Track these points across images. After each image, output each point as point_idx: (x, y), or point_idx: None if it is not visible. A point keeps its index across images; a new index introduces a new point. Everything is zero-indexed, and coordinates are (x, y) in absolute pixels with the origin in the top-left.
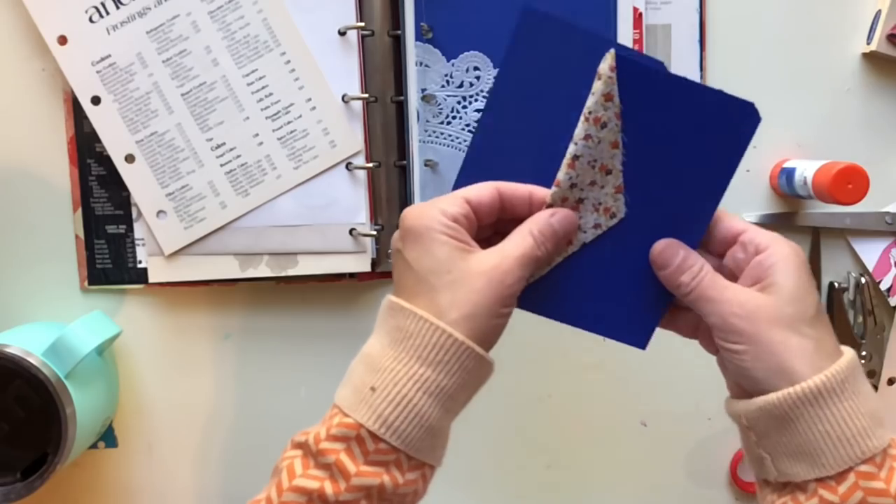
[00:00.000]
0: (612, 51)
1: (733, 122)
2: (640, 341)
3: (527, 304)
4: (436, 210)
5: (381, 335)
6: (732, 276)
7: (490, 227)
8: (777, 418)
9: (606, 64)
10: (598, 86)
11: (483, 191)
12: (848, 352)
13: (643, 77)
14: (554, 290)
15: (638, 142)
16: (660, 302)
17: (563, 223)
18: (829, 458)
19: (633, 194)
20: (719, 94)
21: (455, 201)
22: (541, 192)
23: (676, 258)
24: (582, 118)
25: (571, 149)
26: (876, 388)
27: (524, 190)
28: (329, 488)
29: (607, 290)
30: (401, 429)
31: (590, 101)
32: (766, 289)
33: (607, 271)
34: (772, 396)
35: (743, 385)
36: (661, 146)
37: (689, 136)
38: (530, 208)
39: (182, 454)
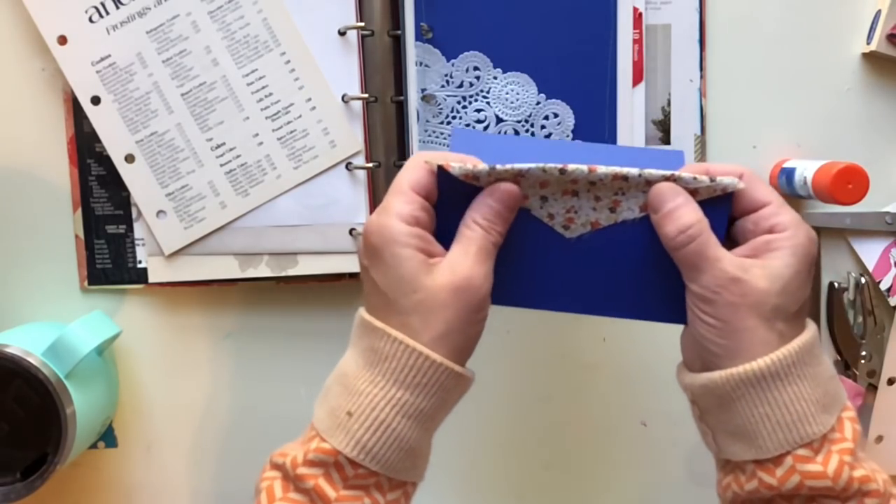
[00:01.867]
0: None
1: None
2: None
3: (559, 305)
4: (393, 219)
5: (356, 354)
6: (733, 240)
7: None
8: (719, 397)
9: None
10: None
11: (418, 171)
12: (805, 333)
13: None
14: (579, 284)
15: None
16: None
17: (502, 200)
18: (766, 441)
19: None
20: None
21: (406, 198)
22: (476, 163)
23: (668, 203)
24: (662, 174)
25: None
26: (875, 387)
27: (452, 157)
28: None
29: (636, 274)
30: (380, 454)
31: (683, 179)
32: (762, 268)
33: (630, 257)
34: (715, 375)
35: (700, 353)
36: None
37: None
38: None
39: (182, 454)
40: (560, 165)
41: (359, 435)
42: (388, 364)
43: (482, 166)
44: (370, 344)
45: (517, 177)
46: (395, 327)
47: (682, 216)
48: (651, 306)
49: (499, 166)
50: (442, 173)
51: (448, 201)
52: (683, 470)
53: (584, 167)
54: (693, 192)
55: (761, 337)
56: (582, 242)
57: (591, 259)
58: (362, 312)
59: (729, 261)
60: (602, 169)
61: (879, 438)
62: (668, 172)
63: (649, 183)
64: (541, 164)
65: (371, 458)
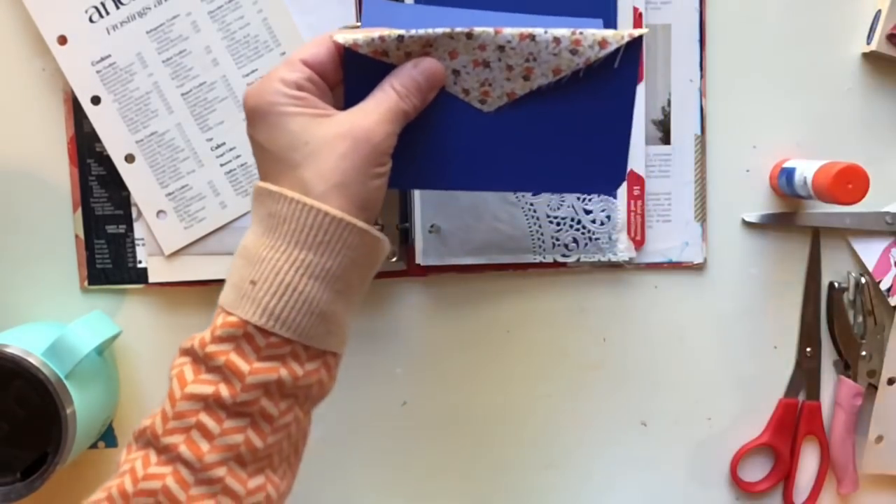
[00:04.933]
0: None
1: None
2: (609, 187)
3: (481, 184)
4: (275, 82)
5: (255, 225)
6: None
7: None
8: None
9: (625, 37)
10: (606, 37)
11: (319, 47)
12: None
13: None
14: (500, 159)
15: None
16: (618, 143)
17: (425, 73)
18: None
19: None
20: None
21: (293, 66)
22: (382, 33)
23: None
24: (570, 31)
25: (529, 28)
26: (875, 387)
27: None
28: (224, 391)
29: (558, 144)
30: (290, 319)
31: (588, 32)
32: None
33: (550, 125)
34: None
35: None
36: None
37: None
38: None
39: None
40: (467, 29)
41: (265, 301)
42: (286, 226)
43: (391, 36)
44: (267, 210)
45: (426, 47)
46: (288, 187)
47: None
48: (576, 177)
49: (406, 35)
50: (350, 54)
51: (358, 82)
52: (683, 470)
53: (491, 29)
54: (602, 43)
55: None
56: (500, 116)
57: (512, 131)
58: (257, 183)
59: None
60: (508, 29)
61: (879, 438)
62: (574, 29)
63: (557, 40)
64: (447, 30)
65: (281, 324)
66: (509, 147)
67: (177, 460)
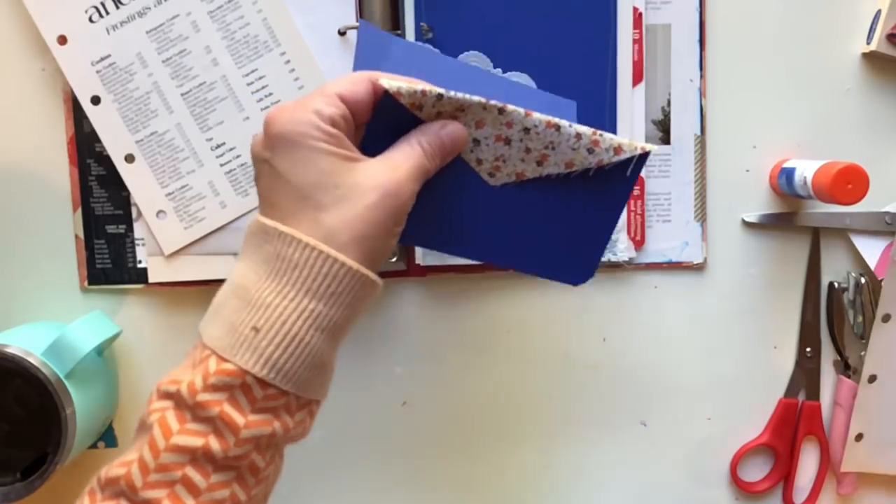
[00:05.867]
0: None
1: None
2: (578, 279)
3: (469, 252)
4: (310, 113)
5: (255, 263)
6: None
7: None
8: None
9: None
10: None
11: (358, 85)
12: None
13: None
14: (493, 233)
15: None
16: (598, 240)
17: (451, 137)
18: None
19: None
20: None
21: (329, 100)
22: (425, 87)
23: None
24: (591, 130)
25: (553, 117)
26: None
27: (401, 81)
28: (215, 444)
29: (552, 231)
30: (291, 371)
31: (606, 136)
32: None
33: (549, 213)
34: None
35: None
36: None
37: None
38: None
39: None
40: (500, 104)
41: (268, 352)
42: (297, 273)
43: (431, 92)
44: (275, 251)
45: (458, 111)
46: (305, 229)
47: None
48: (551, 264)
49: (445, 96)
50: (387, 100)
51: (381, 127)
52: (683, 470)
53: (521, 110)
54: (617, 150)
55: None
56: (505, 192)
57: (510, 209)
58: (260, 218)
59: None
60: (537, 115)
61: (859, 436)
62: (594, 130)
63: (579, 136)
64: (482, 100)
65: (283, 377)
66: (501, 223)
67: None
